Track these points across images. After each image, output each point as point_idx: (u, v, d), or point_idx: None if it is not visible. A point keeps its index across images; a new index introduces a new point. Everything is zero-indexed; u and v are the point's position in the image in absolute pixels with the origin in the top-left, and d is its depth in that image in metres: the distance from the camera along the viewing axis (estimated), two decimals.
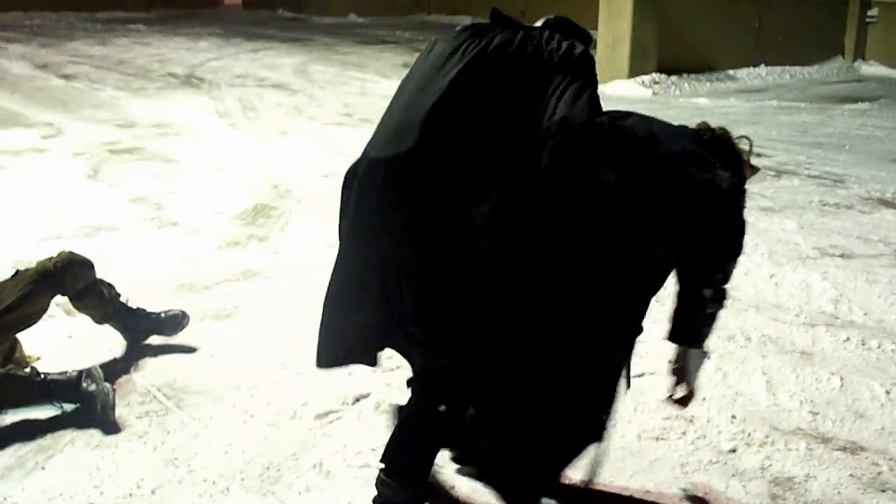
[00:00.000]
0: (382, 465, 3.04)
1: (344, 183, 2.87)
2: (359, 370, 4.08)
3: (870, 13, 15.96)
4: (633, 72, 13.53)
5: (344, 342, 2.94)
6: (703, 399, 3.90)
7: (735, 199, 2.77)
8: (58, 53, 15.89)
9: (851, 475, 3.50)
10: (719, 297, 2.82)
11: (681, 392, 2.95)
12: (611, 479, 3.36)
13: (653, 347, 3.95)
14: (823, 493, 3.37)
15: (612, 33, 13.74)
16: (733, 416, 3.85)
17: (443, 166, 2.69)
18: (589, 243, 2.71)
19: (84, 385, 3.71)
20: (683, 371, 2.92)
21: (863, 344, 4.57)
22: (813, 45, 15.76)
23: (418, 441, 3.06)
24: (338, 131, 9.70)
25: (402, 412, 3.12)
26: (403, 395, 3.86)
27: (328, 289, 2.94)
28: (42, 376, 3.73)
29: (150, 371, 4.15)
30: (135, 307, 4.29)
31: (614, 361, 2.93)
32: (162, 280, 5.14)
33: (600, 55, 13.95)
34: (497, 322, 2.78)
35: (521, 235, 2.70)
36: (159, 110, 10.68)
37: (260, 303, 4.95)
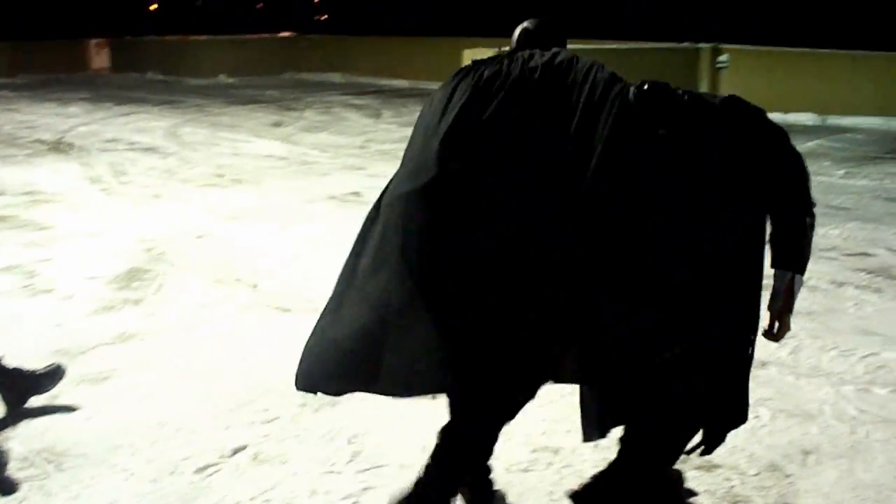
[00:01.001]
0: None
1: (371, 217, 3.14)
2: (237, 423, 4.22)
3: (720, 59, 16.70)
4: None
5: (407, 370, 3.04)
6: (568, 431, 4.12)
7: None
8: None
9: (707, 490, 3.77)
10: (813, 224, 3.01)
11: (777, 326, 3.08)
12: None
13: None
14: None
15: None
16: (597, 444, 4.06)
17: (456, 193, 2.94)
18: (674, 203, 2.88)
19: None
20: (788, 299, 3.04)
21: None
22: None
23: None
24: (210, 192, 9.76)
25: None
26: (280, 445, 4.01)
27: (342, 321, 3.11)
28: None
29: (28, 436, 4.18)
30: (10, 366, 4.34)
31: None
32: (37, 347, 5.15)
33: None
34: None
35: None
36: (29, 178, 10.58)
37: (136, 364, 5.01)
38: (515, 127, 2.93)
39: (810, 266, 3.08)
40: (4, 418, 4.32)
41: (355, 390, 3.28)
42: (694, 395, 3.06)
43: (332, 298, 3.18)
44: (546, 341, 2.97)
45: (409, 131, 12.11)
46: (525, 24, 3.34)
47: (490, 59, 3.10)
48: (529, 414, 4.31)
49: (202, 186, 10.11)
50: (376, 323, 3.01)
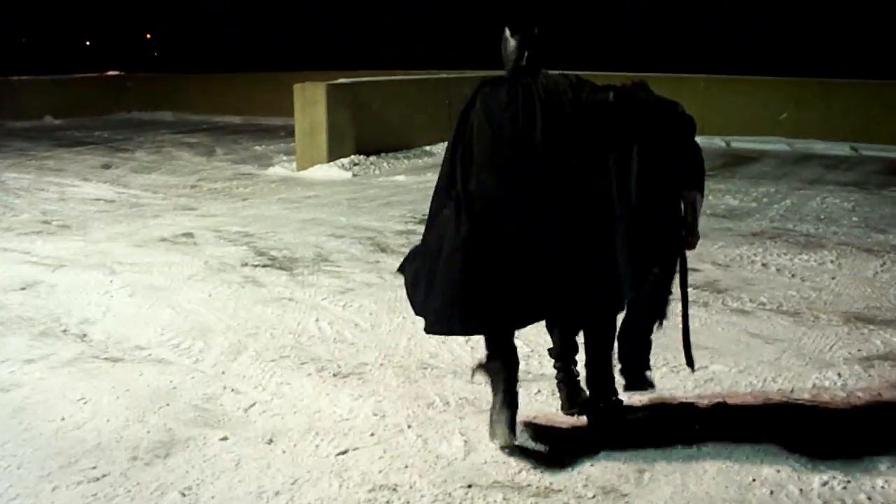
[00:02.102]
0: None
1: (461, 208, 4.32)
2: (63, 483, 4.04)
3: None
4: (333, 155, 13.83)
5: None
6: (406, 466, 4.10)
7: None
8: None
9: None
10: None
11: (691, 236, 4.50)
12: None
13: (358, 424, 4.11)
14: None
15: (309, 120, 14.01)
16: (434, 480, 4.06)
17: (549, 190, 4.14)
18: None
19: None
20: (695, 212, 4.42)
21: (553, 394, 4.89)
22: None
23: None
24: (36, 240, 9.37)
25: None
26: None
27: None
28: None
29: None
30: None
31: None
32: None
33: (299, 142, 14.29)
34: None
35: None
36: None
37: None
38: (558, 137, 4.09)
39: None
40: None
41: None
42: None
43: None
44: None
45: (243, 168, 12.18)
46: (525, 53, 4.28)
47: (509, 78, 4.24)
48: (365, 452, 4.31)
49: (26, 234, 9.71)
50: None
